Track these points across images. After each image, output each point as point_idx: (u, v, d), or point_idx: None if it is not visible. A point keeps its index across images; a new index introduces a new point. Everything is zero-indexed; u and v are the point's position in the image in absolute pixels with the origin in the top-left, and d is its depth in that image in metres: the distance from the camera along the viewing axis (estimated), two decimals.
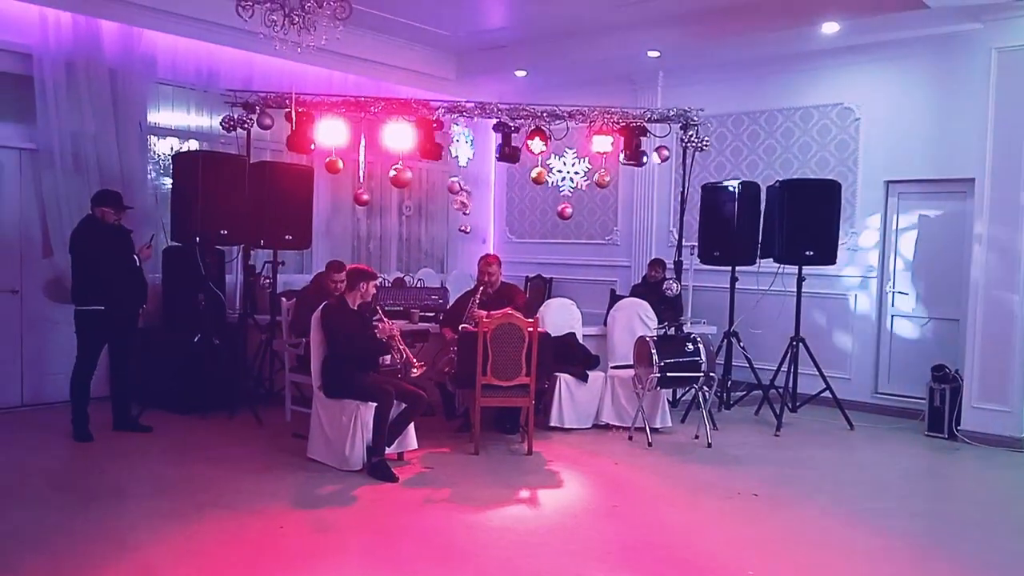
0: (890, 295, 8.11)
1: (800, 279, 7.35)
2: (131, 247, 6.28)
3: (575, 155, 7.93)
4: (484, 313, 6.28)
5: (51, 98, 6.97)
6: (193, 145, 8.16)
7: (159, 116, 7.98)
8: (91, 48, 7.20)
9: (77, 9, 7.04)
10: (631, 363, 6.94)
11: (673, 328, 7.20)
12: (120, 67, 7.41)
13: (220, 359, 6.90)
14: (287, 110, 7.08)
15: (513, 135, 7.71)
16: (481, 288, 6.81)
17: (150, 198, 7.71)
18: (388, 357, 5.94)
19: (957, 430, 6.93)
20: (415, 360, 5.71)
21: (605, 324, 7.54)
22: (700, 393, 6.78)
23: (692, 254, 7.95)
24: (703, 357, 6.57)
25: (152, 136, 7.90)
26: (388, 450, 5.58)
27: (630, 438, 6.67)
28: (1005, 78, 6.68)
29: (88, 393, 6.19)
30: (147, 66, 7.64)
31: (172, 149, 8.00)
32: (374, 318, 5.80)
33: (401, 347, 5.77)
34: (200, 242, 6.71)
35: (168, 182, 7.62)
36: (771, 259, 7.48)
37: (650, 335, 6.84)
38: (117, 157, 7.37)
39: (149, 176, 7.81)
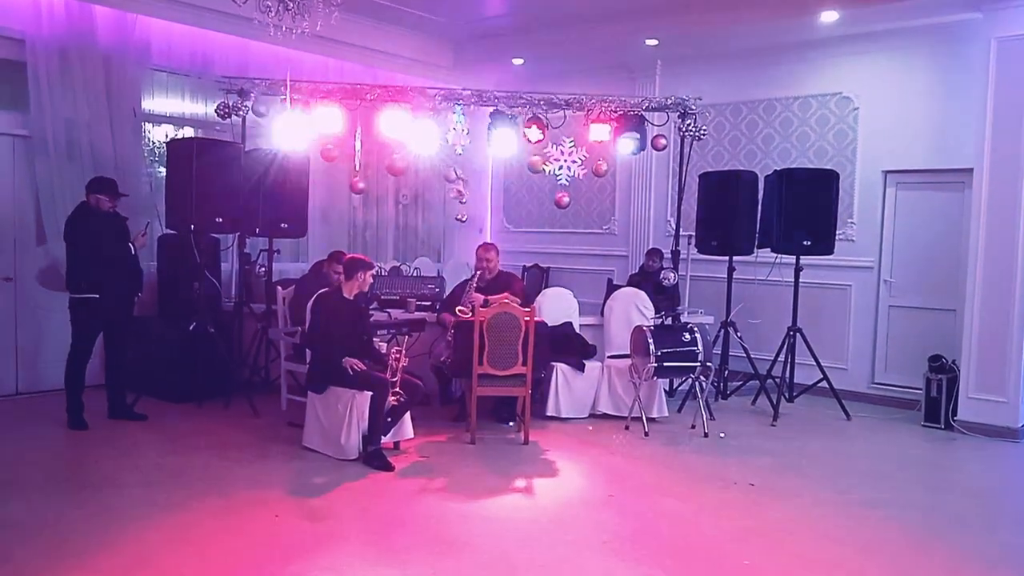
0: (887, 285, 8.11)
1: (798, 269, 7.33)
2: (126, 235, 6.24)
3: (572, 144, 7.88)
4: (481, 297, 6.26)
5: (44, 84, 6.91)
6: (188, 132, 8.12)
7: (153, 103, 7.94)
8: (85, 34, 7.14)
9: None
10: (628, 353, 6.93)
11: (670, 318, 7.18)
12: (114, 53, 7.35)
13: (215, 347, 6.87)
14: (282, 97, 7.02)
15: (510, 123, 7.64)
16: (478, 274, 6.81)
17: (145, 185, 7.67)
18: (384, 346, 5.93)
19: (953, 420, 6.93)
20: (399, 390, 5.54)
21: (602, 314, 7.52)
22: (697, 383, 6.77)
23: (689, 244, 7.93)
24: (700, 347, 6.56)
25: (146, 123, 7.87)
26: (384, 439, 5.57)
27: (627, 428, 6.67)
28: (1004, 68, 6.64)
29: (83, 381, 6.16)
30: (141, 52, 7.58)
31: (167, 136, 7.97)
32: (395, 348, 5.74)
33: (398, 375, 5.59)
34: (195, 230, 6.68)
35: (163, 169, 7.58)
36: (768, 249, 7.47)
37: (647, 325, 6.82)
38: (111, 144, 7.32)
39: (144, 163, 7.76)
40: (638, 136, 7.54)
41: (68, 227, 6.09)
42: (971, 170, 7.00)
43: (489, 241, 8.51)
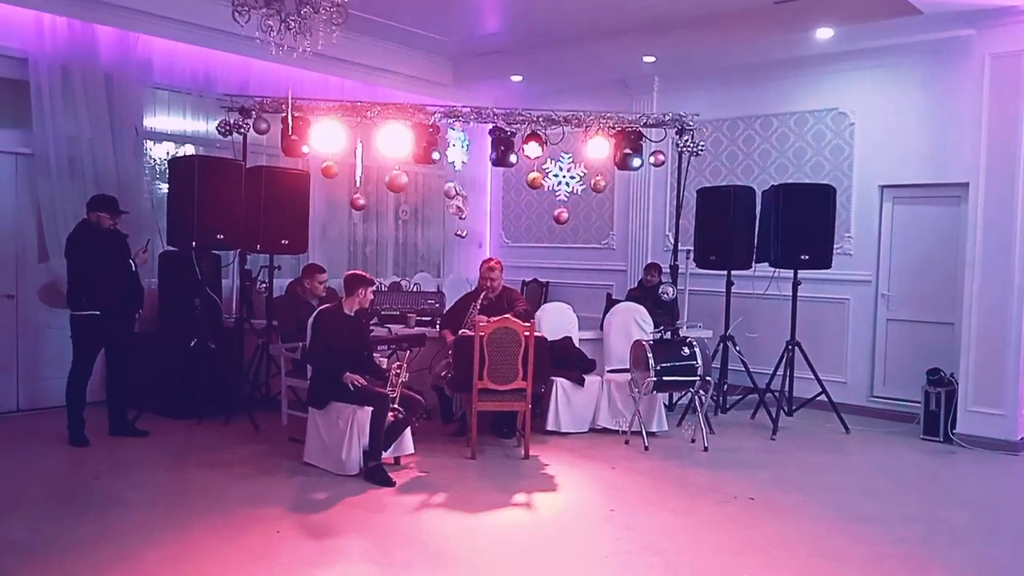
0: (885, 299, 8.14)
1: (796, 283, 7.36)
2: (127, 252, 6.28)
3: (571, 160, 7.94)
4: (484, 318, 6.28)
5: (47, 103, 6.96)
6: (189, 150, 8.16)
7: (155, 121, 7.98)
8: (87, 53, 7.20)
9: (73, 14, 7.04)
10: (627, 367, 6.95)
11: (669, 332, 7.20)
12: (116, 72, 7.41)
13: (216, 364, 6.89)
14: (283, 114, 7.08)
15: (509, 140, 7.71)
16: (483, 293, 6.81)
17: (146, 203, 7.70)
18: (384, 361, 5.96)
19: (952, 433, 6.94)
20: (398, 405, 5.53)
21: (601, 328, 7.55)
22: (696, 397, 6.78)
23: (688, 258, 7.97)
24: (699, 361, 6.58)
25: (148, 141, 7.90)
26: (385, 454, 5.58)
27: (627, 442, 6.68)
28: (998, 83, 6.70)
29: (84, 398, 6.17)
30: (143, 71, 7.64)
31: (168, 154, 8.01)
32: (395, 364, 5.75)
33: (397, 390, 5.60)
34: (196, 247, 6.71)
35: (164, 187, 7.62)
36: (767, 263, 7.50)
37: (646, 339, 6.85)
38: (113, 162, 7.37)
39: (145, 181, 7.80)
40: (639, 158, 7.65)
41: (69, 244, 6.12)
42: (967, 184, 7.05)
43: (492, 257, 8.54)
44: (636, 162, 7.74)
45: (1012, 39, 6.64)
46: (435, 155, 7.54)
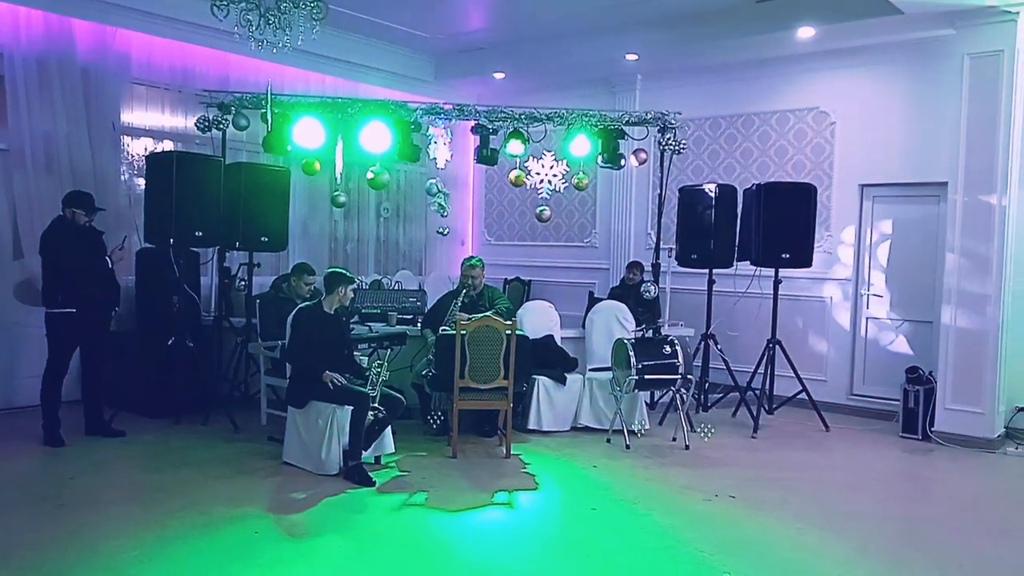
0: (865, 297, 8.20)
1: (777, 282, 7.39)
2: (103, 249, 6.19)
3: (553, 158, 7.92)
4: (466, 316, 6.26)
5: (22, 97, 6.87)
6: (167, 146, 8.08)
7: (133, 116, 7.89)
8: (63, 47, 7.11)
9: (49, 7, 6.95)
10: (609, 366, 6.95)
11: (651, 330, 7.21)
12: (93, 66, 7.32)
13: (194, 362, 6.81)
14: (263, 110, 7.01)
15: (491, 137, 7.69)
16: (464, 291, 6.80)
17: (123, 199, 7.61)
18: (365, 360, 5.91)
19: (931, 431, 6.99)
20: (378, 405, 5.49)
21: (583, 327, 7.54)
22: (678, 395, 6.79)
23: (670, 256, 7.97)
24: (680, 359, 6.59)
25: (126, 136, 7.81)
26: (365, 454, 5.54)
27: (608, 441, 6.67)
28: (977, 83, 6.75)
29: (59, 397, 6.09)
30: (121, 66, 7.56)
31: (146, 150, 7.92)
32: (375, 364, 5.71)
33: (378, 389, 5.56)
34: (174, 244, 6.63)
35: (142, 183, 7.53)
36: (748, 262, 7.52)
37: (628, 337, 6.84)
38: (90, 157, 7.28)
39: (122, 177, 7.71)
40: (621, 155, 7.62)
41: (43, 241, 6.02)
42: (946, 183, 7.10)
43: (473, 255, 8.51)
44: (618, 160, 7.75)
45: (990, 39, 6.69)
46: (429, 153, 7.51)
